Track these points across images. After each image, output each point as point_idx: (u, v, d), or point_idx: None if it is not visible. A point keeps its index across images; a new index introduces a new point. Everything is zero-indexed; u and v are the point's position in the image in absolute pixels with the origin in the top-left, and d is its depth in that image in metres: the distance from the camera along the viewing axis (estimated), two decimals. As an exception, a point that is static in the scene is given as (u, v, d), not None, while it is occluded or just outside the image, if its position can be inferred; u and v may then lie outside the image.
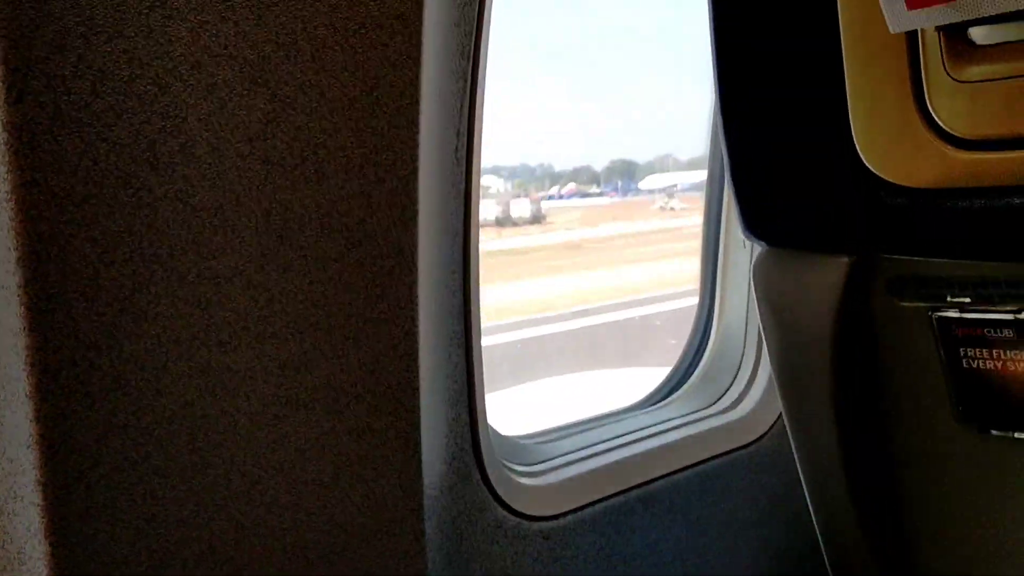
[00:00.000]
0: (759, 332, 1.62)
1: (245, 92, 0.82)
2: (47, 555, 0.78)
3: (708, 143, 1.61)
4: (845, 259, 0.96)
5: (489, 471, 1.24)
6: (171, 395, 0.83)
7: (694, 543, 1.50)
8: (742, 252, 1.60)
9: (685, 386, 1.70)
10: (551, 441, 1.47)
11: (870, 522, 1.08)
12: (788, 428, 1.15)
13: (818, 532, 1.16)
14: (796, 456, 1.18)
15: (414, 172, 0.95)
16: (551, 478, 1.35)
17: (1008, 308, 0.85)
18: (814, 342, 1.01)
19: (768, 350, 1.08)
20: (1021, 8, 0.70)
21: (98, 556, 0.80)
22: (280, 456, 0.91)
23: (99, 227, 0.76)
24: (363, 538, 0.99)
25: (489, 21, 1.06)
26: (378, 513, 0.99)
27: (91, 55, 0.74)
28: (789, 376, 1.07)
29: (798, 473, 1.25)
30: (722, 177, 1.60)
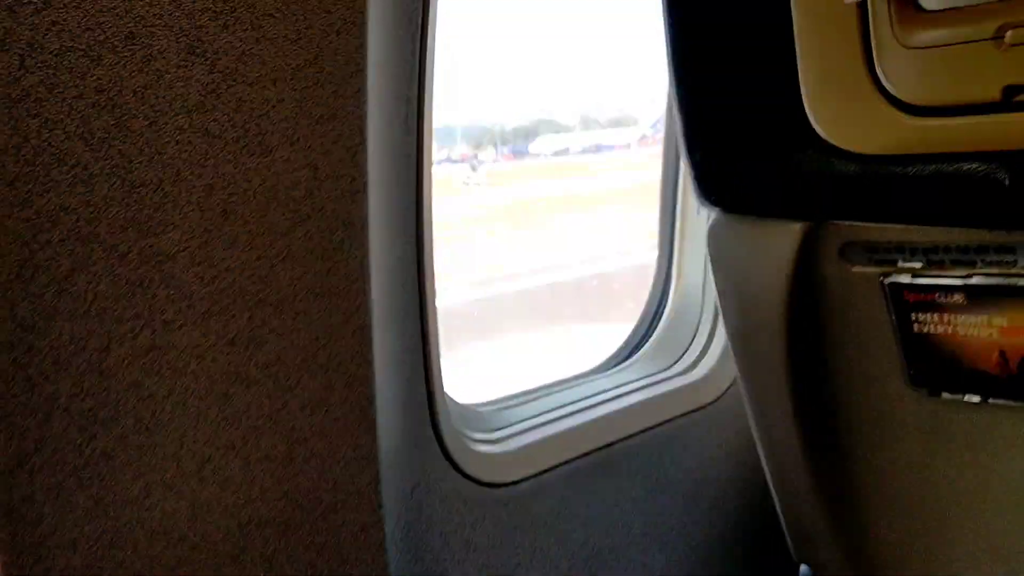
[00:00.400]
0: (716, 296, 1.62)
1: (182, 63, 0.79)
2: None
3: (663, 108, 1.60)
4: (798, 225, 0.96)
5: (446, 440, 1.23)
6: (115, 376, 0.81)
7: (653, 503, 1.52)
8: (700, 218, 1.60)
9: (643, 349, 1.70)
10: (508, 408, 1.47)
11: (826, 487, 1.09)
12: (743, 391, 1.16)
13: (775, 499, 1.17)
14: (751, 418, 1.19)
15: (362, 143, 0.93)
16: (509, 445, 1.35)
17: (958, 273, 0.86)
18: (767, 307, 1.01)
19: (723, 315, 1.09)
20: None
21: (46, 540, 0.79)
22: (232, 433, 0.90)
23: (32, 206, 0.74)
24: (320, 512, 0.98)
25: None
26: (334, 486, 0.99)
27: (18, 28, 0.71)
28: (743, 341, 1.08)
29: (746, 429, 1.26)
30: (677, 149, 1.59)
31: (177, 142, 0.80)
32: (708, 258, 1.11)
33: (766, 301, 1.01)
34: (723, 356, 1.66)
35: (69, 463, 0.80)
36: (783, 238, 0.97)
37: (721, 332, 1.66)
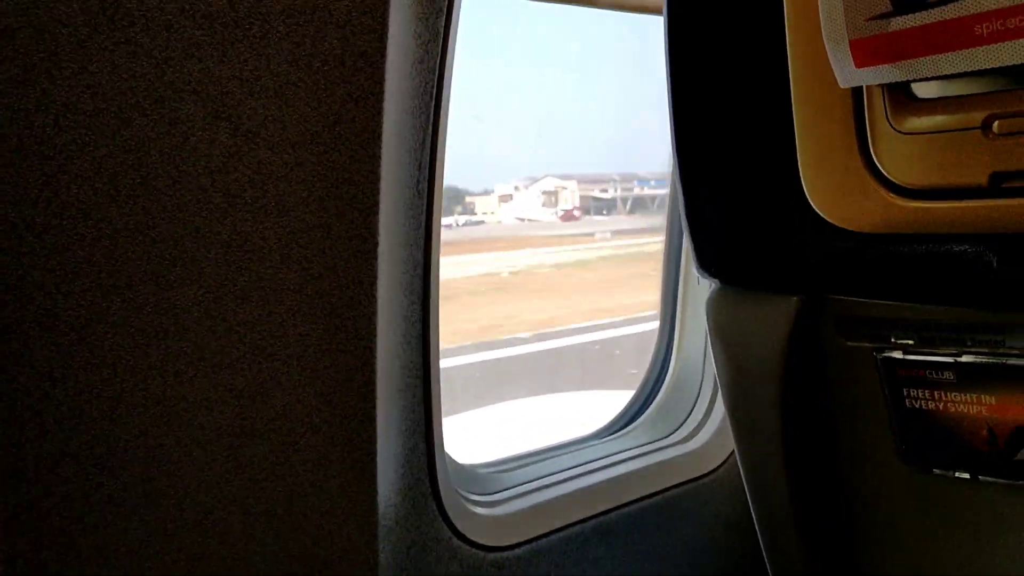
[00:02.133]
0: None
1: (208, 127, 0.84)
2: None
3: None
4: (794, 299, 0.99)
5: (445, 501, 1.25)
6: (125, 425, 0.84)
7: (650, 572, 1.52)
8: (702, 285, 1.64)
9: (643, 416, 1.72)
10: (508, 470, 1.49)
11: (818, 558, 1.11)
12: (740, 462, 1.18)
13: (767, 564, 1.18)
14: (747, 489, 1.21)
15: (375, 206, 0.97)
16: (507, 508, 1.37)
17: (949, 351, 0.89)
18: (764, 378, 1.03)
19: (720, 386, 1.11)
20: (958, 72, 0.73)
21: None
22: (234, 486, 0.92)
23: (57, 258, 0.77)
24: (317, 568, 1.00)
25: (452, 59, 1.09)
26: (332, 543, 1.00)
27: (55, 89, 0.75)
28: (740, 412, 1.10)
29: (745, 498, 1.27)
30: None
31: (199, 201, 0.84)
32: (710, 340, 1.14)
33: (763, 372, 1.04)
34: (722, 426, 1.68)
35: (75, 509, 0.82)
36: (780, 311, 1.00)
37: (720, 403, 1.68)
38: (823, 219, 0.91)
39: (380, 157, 0.97)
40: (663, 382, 1.73)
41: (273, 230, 0.90)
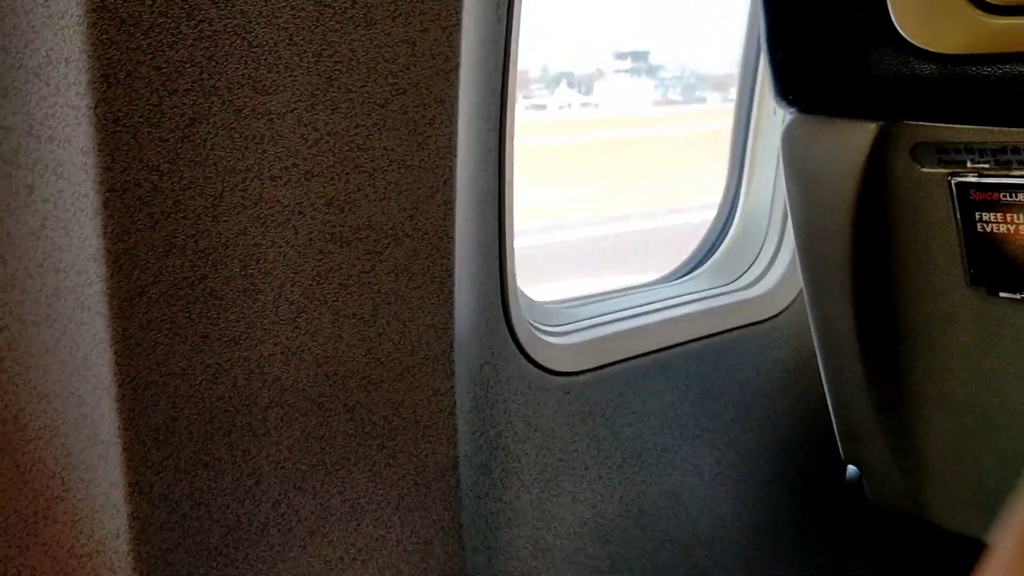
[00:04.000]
0: (784, 211, 1.66)
1: None
2: (111, 363, 0.86)
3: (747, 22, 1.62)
4: (872, 125, 1.00)
5: (515, 326, 1.30)
6: (226, 222, 0.89)
7: (707, 408, 1.58)
8: (772, 130, 1.63)
9: (709, 262, 1.75)
10: (575, 307, 1.54)
11: (879, 388, 1.14)
12: (806, 297, 1.20)
13: (829, 401, 1.23)
14: (812, 326, 1.24)
15: (457, 24, 0.99)
16: (574, 338, 1.42)
17: (1023, 173, 0.89)
18: (836, 208, 1.05)
19: (791, 217, 1.13)
20: None
21: (157, 367, 0.88)
22: (324, 289, 0.98)
23: (163, 56, 0.81)
24: (398, 372, 1.06)
25: None
26: (412, 350, 1.07)
27: None
28: (810, 242, 1.12)
29: (812, 350, 1.31)
30: (758, 52, 1.61)
31: (292, 7, 0.87)
32: (778, 170, 1.15)
33: (836, 202, 1.05)
34: (787, 272, 1.70)
35: (182, 298, 0.88)
36: (856, 138, 1.01)
37: (786, 248, 1.70)
38: (907, 40, 0.90)
39: None
40: (730, 227, 1.75)
41: (361, 42, 0.93)
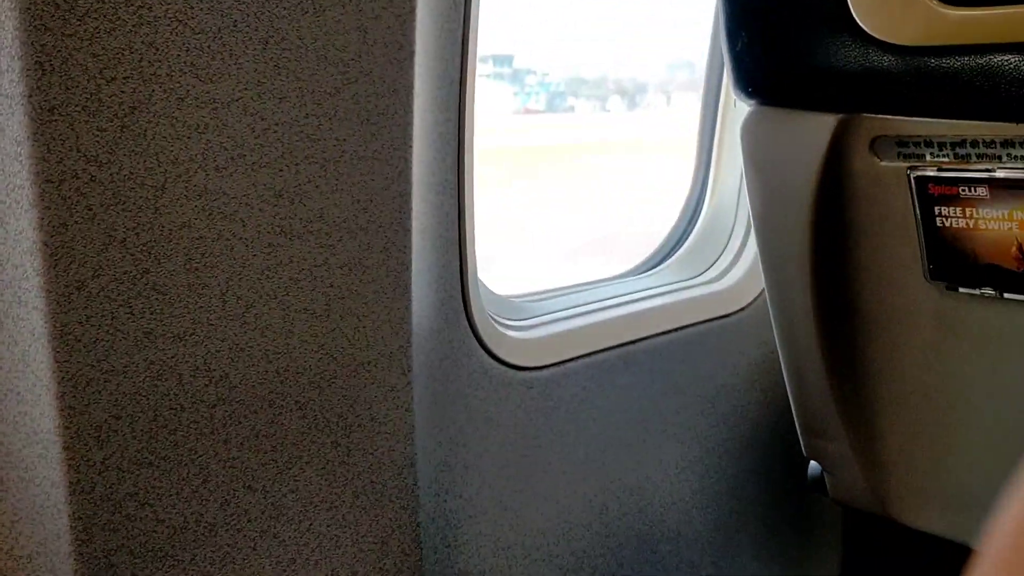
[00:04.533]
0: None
1: None
2: (50, 359, 0.83)
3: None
4: (831, 118, 0.99)
5: (476, 319, 1.29)
6: (169, 215, 0.86)
7: (670, 402, 1.57)
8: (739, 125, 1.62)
9: (675, 255, 1.74)
10: (537, 300, 1.53)
11: (839, 384, 1.13)
12: (767, 292, 1.19)
13: (791, 397, 1.22)
14: (773, 321, 1.23)
15: (411, 11, 0.97)
16: (536, 332, 1.41)
17: (983, 167, 0.88)
18: (796, 201, 1.04)
19: (752, 212, 1.12)
20: None
21: (98, 364, 0.85)
22: (274, 283, 0.96)
23: (100, 43, 0.79)
24: (352, 368, 1.04)
25: None
26: (368, 345, 1.05)
27: None
28: (770, 236, 1.11)
29: (770, 339, 1.30)
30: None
31: None
32: (743, 165, 1.13)
33: (795, 195, 1.04)
34: (752, 268, 1.70)
35: (123, 293, 0.86)
36: (816, 130, 1.00)
37: (752, 244, 1.69)
38: (866, 31, 0.89)
39: None
40: (697, 220, 1.74)
41: (309, 29, 0.91)
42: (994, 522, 0.38)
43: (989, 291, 0.93)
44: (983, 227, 0.90)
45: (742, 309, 1.69)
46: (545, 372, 1.39)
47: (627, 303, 1.56)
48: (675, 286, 1.66)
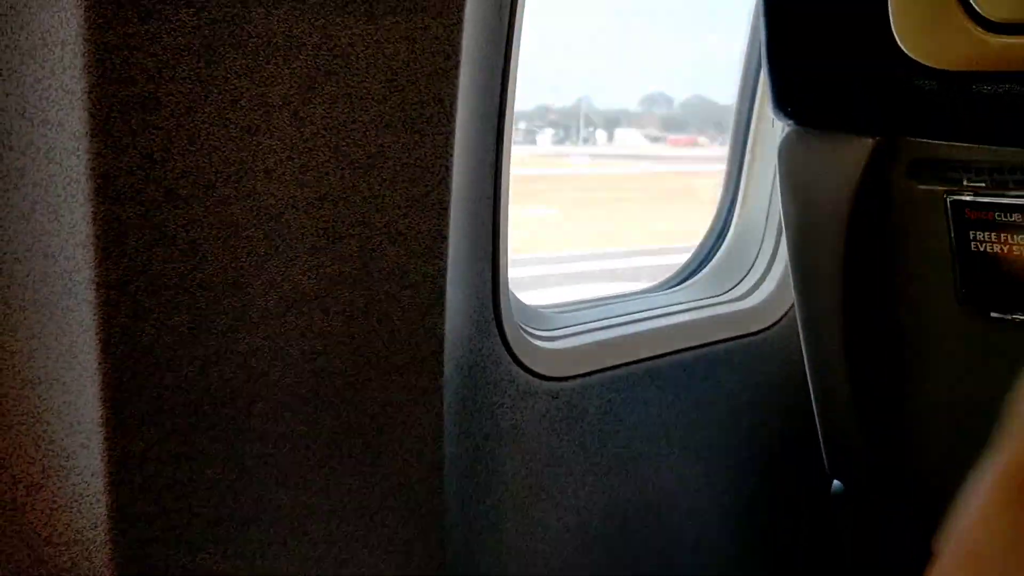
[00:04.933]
0: (779, 224, 1.66)
1: None
2: (97, 351, 0.85)
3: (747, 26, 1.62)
4: (870, 140, 1.00)
5: (506, 329, 1.30)
6: (217, 214, 0.88)
7: (694, 418, 1.58)
8: (770, 141, 1.63)
9: (702, 272, 1.75)
10: (566, 312, 1.54)
11: (867, 405, 1.14)
12: (797, 313, 1.20)
13: (816, 416, 1.22)
14: (802, 340, 1.24)
15: (459, 23, 0.99)
16: (564, 343, 1.42)
17: (1019, 193, 0.89)
18: (830, 222, 1.05)
19: (785, 231, 1.13)
20: None
21: (143, 358, 0.87)
22: (315, 285, 0.97)
23: (160, 43, 0.81)
24: (386, 371, 1.06)
25: None
26: (402, 349, 1.06)
27: None
28: (803, 256, 1.12)
29: (802, 365, 1.31)
30: (759, 63, 1.61)
31: (290, 0, 0.87)
32: (775, 181, 1.15)
33: (830, 216, 1.05)
34: (780, 285, 1.70)
35: (170, 288, 0.88)
36: (854, 152, 1.01)
37: (780, 261, 1.70)
38: (908, 56, 0.90)
39: None
40: (725, 238, 1.75)
41: (360, 36, 0.93)
42: (952, 521, 0.40)
43: (1020, 316, 0.94)
44: (1017, 253, 0.91)
45: (768, 328, 1.69)
46: (571, 383, 1.40)
47: (654, 318, 1.57)
48: (702, 302, 1.66)
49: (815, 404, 1.25)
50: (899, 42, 0.90)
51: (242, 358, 0.93)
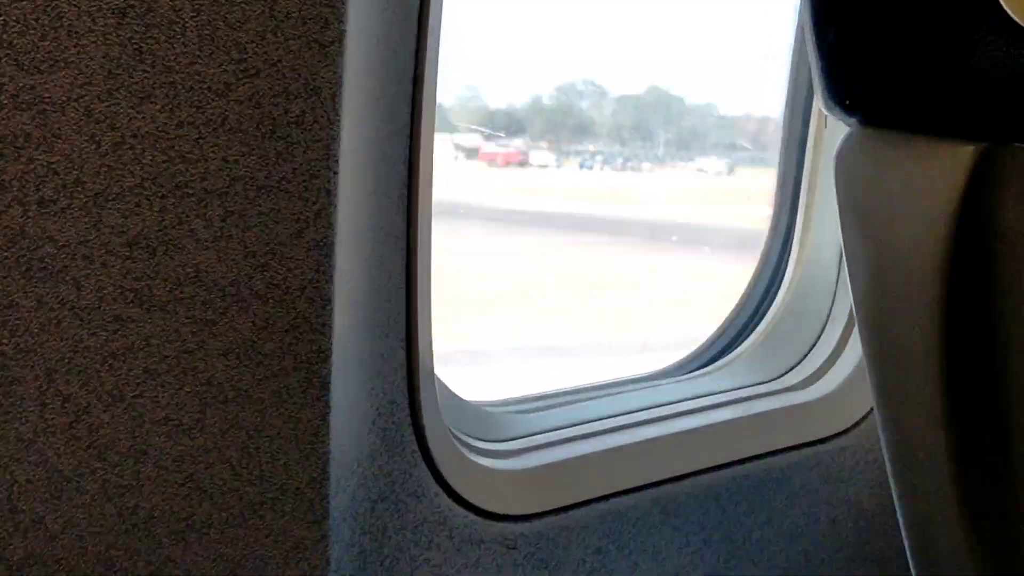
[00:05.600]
0: None
1: None
2: None
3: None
4: (970, 147, 1.01)
5: (432, 442, 1.29)
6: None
7: (732, 567, 1.58)
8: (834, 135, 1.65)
9: (739, 348, 1.76)
10: (531, 412, 1.53)
11: (979, 536, 1.15)
12: (874, 400, 1.21)
13: (908, 550, 1.23)
14: (883, 445, 1.24)
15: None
16: (525, 461, 1.42)
17: None
18: (917, 264, 1.06)
19: (849, 276, 1.14)
20: None
21: None
22: (120, 379, 0.97)
23: None
24: (235, 514, 1.05)
25: None
26: (261, 477, 1.06)
27: None
28: (876, 316, 1.13)
29: (887, 480, 1.31)
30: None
31: None
32: (839, 211, 1.15)
33: (915, 254, 1.06)
34: (861, 369, 1.71)
35: None
36: (947, 164, 1.02)
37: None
38: (1019, 25, 0.93)
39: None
40: (774, 296, 1.76)
41: None
42: None
43: None
44: None
45: (846, 431, 1.70)
46: (538, 523, 1.40)
47: (666, 418, 1.57)
48: (740, 394, 1.67)
49: (905, 536, 1.25)
50: (1007, 8, 0.92)
51: (4, 500, 0.93)
